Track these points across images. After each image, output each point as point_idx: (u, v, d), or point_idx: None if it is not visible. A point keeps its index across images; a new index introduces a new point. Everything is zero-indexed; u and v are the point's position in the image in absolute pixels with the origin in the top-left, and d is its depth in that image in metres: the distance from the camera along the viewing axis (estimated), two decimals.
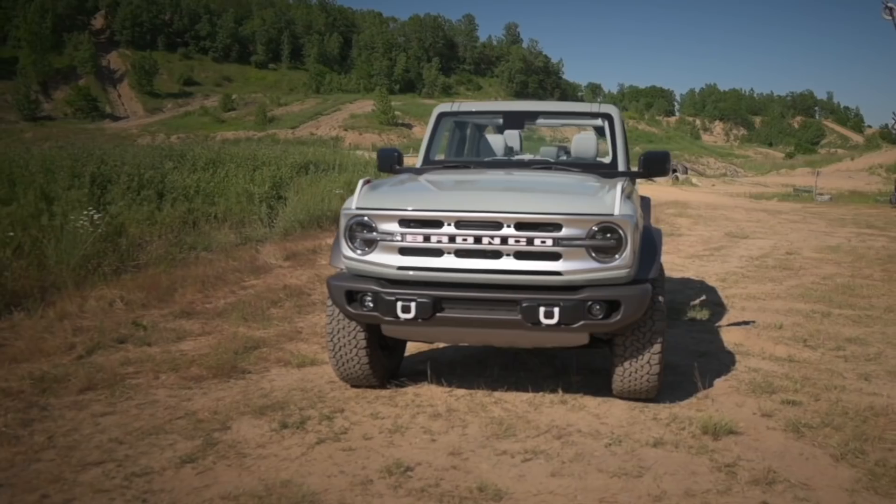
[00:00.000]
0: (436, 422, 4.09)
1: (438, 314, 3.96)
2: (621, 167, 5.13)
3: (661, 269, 6.66)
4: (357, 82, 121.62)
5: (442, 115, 5.68)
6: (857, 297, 7.90)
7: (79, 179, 9.04)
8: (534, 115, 5.96)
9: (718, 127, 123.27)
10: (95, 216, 8.11)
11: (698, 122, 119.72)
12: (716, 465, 3.54)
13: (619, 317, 3.87)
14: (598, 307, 3.86)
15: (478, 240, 3.90)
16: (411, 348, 5.48)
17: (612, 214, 3.86)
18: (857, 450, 3.71)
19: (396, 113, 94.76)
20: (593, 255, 3.86)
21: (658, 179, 38.78)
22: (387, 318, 4.01)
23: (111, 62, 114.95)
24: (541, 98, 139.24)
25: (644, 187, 26.43)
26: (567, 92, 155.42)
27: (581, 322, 3.86)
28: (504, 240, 3.88)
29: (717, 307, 7.27)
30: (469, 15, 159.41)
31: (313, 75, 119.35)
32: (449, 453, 3.67)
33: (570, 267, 3.85)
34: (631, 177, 5.09)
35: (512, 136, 6.07)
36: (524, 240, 3.86)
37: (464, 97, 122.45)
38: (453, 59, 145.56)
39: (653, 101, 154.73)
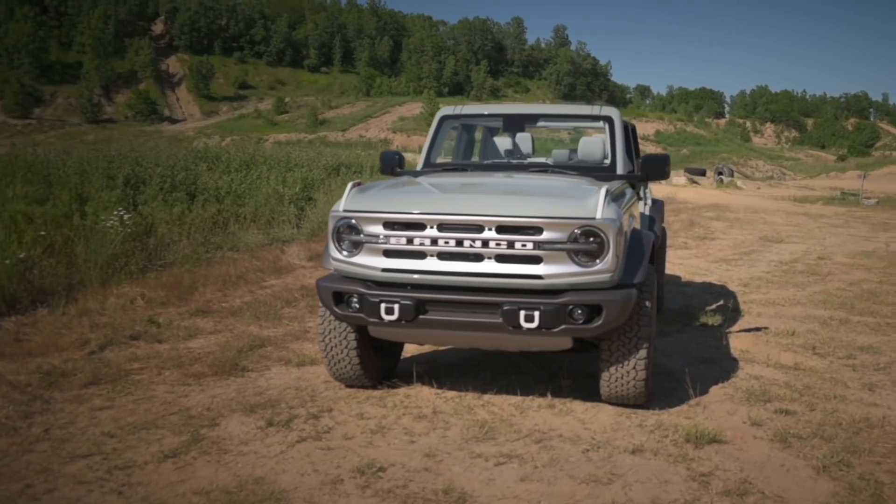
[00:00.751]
0: (419, 423, 4.08)
1: (422, 316, 3.96)
2: (620, 170, 5.04)
3: (656, 273, 6.54)
4: (406, 85, 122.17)
5: (444, 119, 5.67)
6: (881, 304, 7.61)
7: (113, 180, 9.30)
8: (534, 118, 5.89)
9: (769, 129, 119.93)
10: (125, 216, 8.32)
11: (748, 124, 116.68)
12: (691, 474, 3.45)
13: (600, 322, 3.80)
14: (579, 311, 3.80)
15: (459, 242, 3.88)
16: (412, 350, 5.49)
17: (593, 218, 3.79)
18: (842, 462, 3.58)
19: None
20: (575, 259, 3.80)
21: (702, 182, 37.83)
22: (371, 320, 4.03)
23: (170, 66, 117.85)
24: (588, 101, 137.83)
25: (685, 190, 26.16)
26: (615, 94, 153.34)
27: (562, 326, 3.80)
28: (485, 243, 3.85)
29: (732, 312, 7.08)
30: (518, 18, 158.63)
31: (364, 78, 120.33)
32: (424, 455, 3.65)
33: (551, 271, 3.80)
34: (628, 180, 5.00)
35: (524, 140, 6.02)
36: (505, 243, 3.82)
37: (511, 99, 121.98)
38: (501, 62, 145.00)
39: (702, 102, 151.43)
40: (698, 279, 9.11)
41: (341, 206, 4.14)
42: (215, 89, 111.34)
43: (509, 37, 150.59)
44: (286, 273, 8.65)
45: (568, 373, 4.78)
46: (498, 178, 4.91)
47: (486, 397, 4.48)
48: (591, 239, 3.79)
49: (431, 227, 3.92)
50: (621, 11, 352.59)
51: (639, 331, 4.04)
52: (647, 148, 70.69)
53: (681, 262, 10.51)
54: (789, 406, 4.38)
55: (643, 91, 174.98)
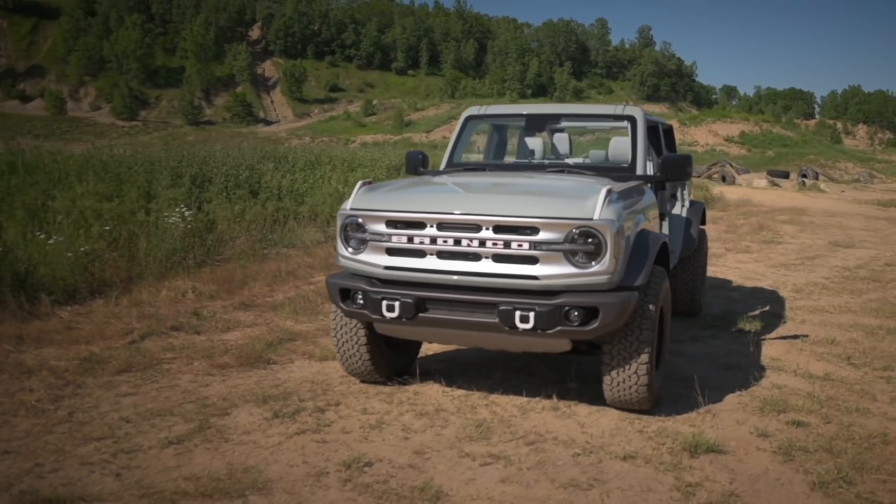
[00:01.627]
0: (419, 420, 4.07)
1: (422, 314, 3.95)
2: (639, 170, 4.87)
3: (693, 276, 6.32)
4: (490, 87, 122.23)
5: (469, 119, 5.64)
6: None
7: (179, 179, 9.70)
8: (556, 118, 5.77)
9: (861, 130, 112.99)
10: (186, 213, 8.67)
11: (839, 125, 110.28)
12: (678, 483, 3.31)
13: (596, 324, 3.69)
14: (575, 313, 3.70)
15: (458, 242, 3.86)
16: (434, 348, 5.49)
17: (590, 219, 3.68)
18: (845, 478, 3.36)
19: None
20: (572, 259, 3.70)
21: (783, 184, 36.36)
22: (374, 316, 4.05)
23: (265, 70, 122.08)
24: (673, 101, 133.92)
25: (764, 193, 25.11)
26: (700, 95, 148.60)
27: (557, 328, 3.72)
28: (483, 242, 3.81)
29: (774, 318, 6.74)
30: (602, 19, 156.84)
31: (449, 81, 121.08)
32: (414, 452, 3.65)
33: (547, 271, 3.72)
34: (647, 180, 4.83)
35: (561, 140, 5.93)
36: (502, 243, 3.77)
37: (595, 100, 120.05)
38: (585, 63, 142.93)
39: (791, 103, 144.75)
40: (750, 284, 8.71)
41: (349, 204, 4.19)
42: (307, 92, 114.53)
43: (593, 38, 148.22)
44: (335, 269, 8.78)
45: (576, 375, 4.67)
46: (505, 178, 4.84)
47: (493, 397, 4.44)
48: (589, 240, 3.69)
49: (431, 226, 3.91)
50: (707, 11, 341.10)
51: (640, 334, 3.90)
52: (731, 150, 68.02)
53: (737, 267, 10.10)
54: (804, 417, 4.14)
55: (729, 92, 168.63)
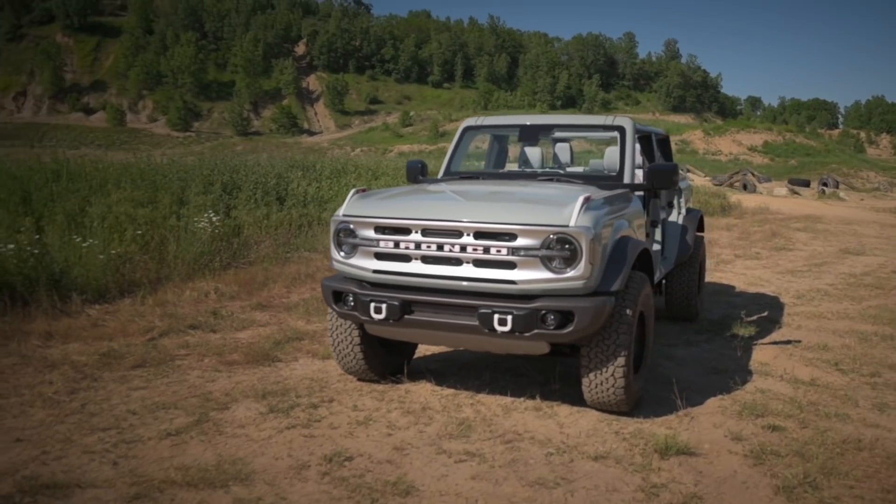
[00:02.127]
0: (404, 418, 4.06)
1: (407, 316, 3.94)
2: (627, 179, 4.80)
3: (689, 282, 6.19)
4: (521, 99, 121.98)
5: (467, 129, 5.63)
6: None
7: (211, 186, 9.84)
8: (549, 129, 5.72)
9: (885, 140, 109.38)
10: (214, 218, 8.79)
11: (863, 135, 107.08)
12: (643, 484, 3.24)
13: (572, 328, 3.65)
14: (551, 317, 3.66)
15: (440, 247, 3.84)
16: (431, 348, 5.47)
17: (566, 226, 3.64)
18: (811, 483, 3.26)
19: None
20: (548, 265, 3.66)
21: (804, 193, 35.58)
22: (363, 318, 4.06)
23: (310, 84, 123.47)
24: (698, 112, 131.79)
25: (783, 201, 24.50)
26: (725, 105, 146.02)
27: (534, 331, 3.68)
28: (464, 248, 3.79)
29: (770, 324, 6.57)
30: (629, 33, 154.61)
31: (482, 93, 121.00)
32: (394, 448, 3.64)
33: (525, 276, 3.69)
34: (633, 188, 4.75)
35: (563, 150, 5.87)
36: (482, 248, 3.75)
37: (622, 112, 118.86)
38: (613, 76, 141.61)
39: (815, 113, 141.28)
40: (753, 290, 8.51)
41: (341, 211, 4.20)
42: (349, 104, 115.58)
43: (621, 51, 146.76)
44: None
45: (559, 377, 4.61)
46: (492, 187, 4.79)
47: (479, 396, 4.40)
48: (565, 246, 3.64)
49: (416, 232, 3.90)
50: (733, 24, 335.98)
51: (617, 338, 3.83)
52: (755, 159, 66.46)
53: (744, 273, 9.88)
54: (781, 422, 4.02)
55: (754, 102, 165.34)
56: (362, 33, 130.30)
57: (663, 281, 6.46)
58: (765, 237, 14.95)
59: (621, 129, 5.03)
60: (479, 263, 3.77)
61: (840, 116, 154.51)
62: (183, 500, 3.12)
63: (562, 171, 5.21)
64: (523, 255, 3.67)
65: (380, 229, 4.01)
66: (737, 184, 37.01)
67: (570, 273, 3.64)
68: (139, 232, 8.07)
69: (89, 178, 9.72)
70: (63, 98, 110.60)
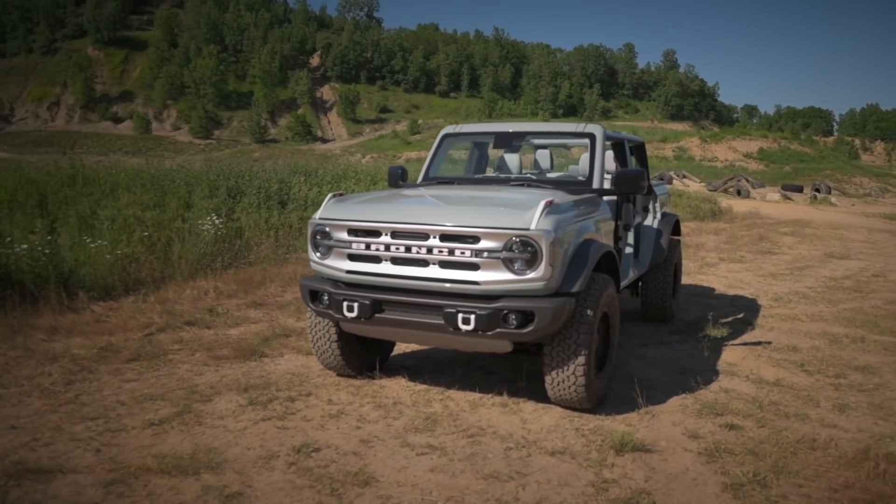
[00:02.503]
0: (375, 412, 4.05)
1: (378, 315, 3.95)
2: (595, 184, 4.78)
3: (664, 283, 6.15)
4: (525, 108, 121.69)
5: (445, 136, 5.64)
6: None
7: (216, 191, 9.88)
8: (522, 136, 5.70)
9: (879, 147, 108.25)
10: (217, 221, 8.82)
11: (857, 142, 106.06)
12: (595, 479, 3.21)
13: (532, 327, 3.63)
14: (512, 317, 3.65)
15: (408, 249, 3.84)
16: (411, 345, 5.46)
17: (527, 229, 3.63)
18: (760, 481, 3.21)
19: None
20: (510, 266, 3.65)
21: (796, 198, 35.14)
22: (337, 316, 4.06)
23: (323, 94, 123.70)
24: (696, 120, 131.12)
25: (775, 206, 24.11)
26: (722, 113, 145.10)
27: (496, 330, 3.66)
28: (430, 250, 3.79)
29: (743, 325, 6.51)
30: (629, 43, 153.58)
31: (487, 102, 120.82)
32: (361, 440, 3.63)
33: (487, 277, 3.68)
34: (602, 193, 4.73)
35: (543, 156, 5.86)
36: (447, 250, 3.74)
37: (621, 120, 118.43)
38: (613, 85, 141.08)
39: (810, 121, 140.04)
40: (732, 292, 8.45)
41: (318, 214, 4.21)
42: (360, 113, 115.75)
43: (621, 61, 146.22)
44: None
45: (527, 375, 4.58)
46: (463, 192, 4.78)
47: (449, 392, 4.38)
48: (526, 248, 3.63)
49: (385, 235, 3.90)
50: (730, 34, 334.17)
51: (578, 338, 3.81)
52: (750, 165, 65.92)
53: (725, 276, 9.79)
54: (740, 421, 3.97)
55: (750, 111, 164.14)
56: (373, 45, 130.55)
57: (639, 283, 6.44)
58: (751, 241, 14.81)
59: (591, 136, 5.01)
60: (444, 265, 3.77)
61: (835, 124, 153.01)
62: (155, 486, 3.14)
63: (533, 177, 5.20)
64: (486, 258, 3.66)
65: (352, 232, 4.02)
66: (731, 189, 36.76)
67: (531, 274, 3.63)
68: (146, 233, 8.11)
69: (102, 182, 9.78)
70: (93, 108, 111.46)
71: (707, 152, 71.31)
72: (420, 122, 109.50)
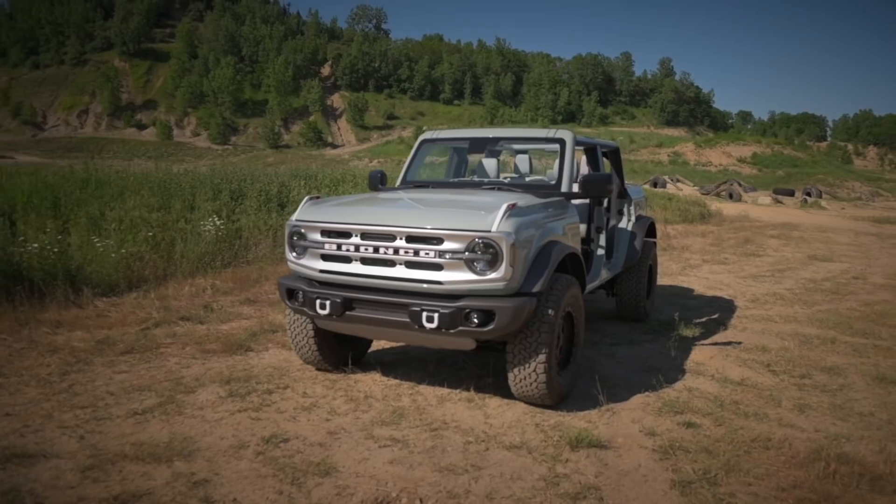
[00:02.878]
0: (346, 405, 4.04)
1: (349, 312, 3.94)
2: (564, 188, 4.76)
3: (639, 284, 6.11)
4: (525, 114, 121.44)
5: (423, 142, 5.63)
6: (882, 326, 6.64)
7: (219, 194, 9.90)
8: (495, 141, 5.68)
9: (872, 152, 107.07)
10: (218, 222, 8.84)
11: (850, 147, 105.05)
12: (548, 474, 3.17)
13: (493, 326, 3.62)
14: (474, 315, 3.63)
15: (376, 249, 3.83)
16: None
17: (489, 231, 3.61)
18: (710, 479, 3.16)
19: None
20: (472, 267, 3.64)
21: (787, 202, 34.71)
22: (311, 313, 4.06)
23: (334, 102, 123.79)
24: (691, 126, 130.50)
25: (765, 209, 23.79)
26: (717, 119, 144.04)
27: (459, 328, 3.65)
28: (397, 250, 3.78)
29: (717, 326, 6.45)
30: (626, 52, 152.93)
31: (489, 109, 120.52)
32: (328, 432, 3.62)
33: (450, 277, 3.67)
34: (569, 197, 4.71)
35: (522, 160, 5.84)
36: (412, 251, 3.73)
37: (618, 125, 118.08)
38: (611, 92, 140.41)
39: (804, 127, 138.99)
40: (711, 293, 8.39)
41: (294, 217, 4.21)
42: (368, 120, 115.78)
43: (618, 69, 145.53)
44: None
45: (494, 371, 4.56)
46: (433, 195, 4.74)
47: (420, 387, 4.37)
48: (487, 250, 3.62)
49: (356, 236, 3.90)
50: (725, 43, 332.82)
51: (539, 336, 3.79)
52: (743, 170, 65.43)
53: (706, 277, 9.72)
54: (698, 419, 3.92)
55: (745, 117, 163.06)
56: (381, 56, 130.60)
57: (614, 283, 6.42)
58: (737, 243, 14.69)
59: (561, 142, 4.99)
60: (410, 265, 3.76)
61: (828, 129, 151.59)
62: (129, 472, 3.14)
63: (506, 181, 5.18)
64: (449, 258, 3.65)
65: (325, 233, 4.02)
66: (723, 193, 36.54)
67: (492, 275, 3.61)
68: (150, 233, 8.13)
69: (113, 185, 9.82)
70: (119, 115, 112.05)
71: (701, 157, 70.86)
72: (425, 128, 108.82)
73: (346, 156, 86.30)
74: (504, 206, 3.70)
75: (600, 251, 5.57)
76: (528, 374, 3.82)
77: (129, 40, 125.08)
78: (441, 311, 3.63)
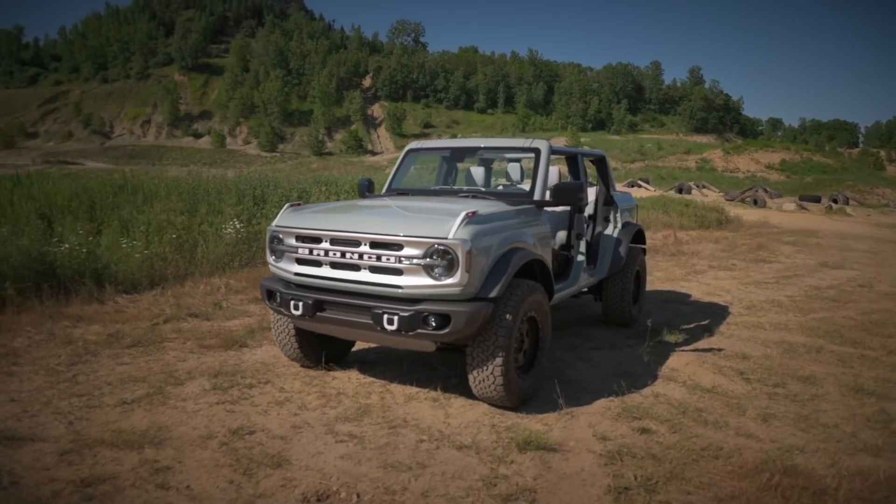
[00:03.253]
0: (317, 401, 4.06)
1: (319, 313, 3.97)
2: (537, 196, 4.69)
3: (623, 288, 5.97)
4: (556, 122, 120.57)
5: (409, 151, 5.64)
6: (875, 336, 6.30)
7: (243, 198, 10.09)
8: (474, 150, 5.65)
9: None
10: (238, 225, 9.01)
11: (882, 153, 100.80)
12: (489, 475, 3.13)
13: (449, 329, 3.60)
14: (431, 319, 3.62)
15: (343, 254, 3.85)
16: None
17: (445, 238, 3.60)
18: (649, 486, 3.06)
19: (584, 147, 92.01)
20: (430, 272, 3.63)
21: (812, 208, 33.15)
22: (286, 313, 4.10)
23: (374, 111, 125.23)
24: (720, 133, 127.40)
25: (788, 216, 22.80)
26: (746, 126, 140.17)
27: (417, 330, 3.64)
28: (361, 255, 3.79)
29: (702, 332, 6.25)
30: (656, 62, 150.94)
31: (521, 118, 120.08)
32: (292, 426, 3.64)
33: (409, 282, 3.67)
34: (538, 205, 4.65)
35: (514, 169, 5.83)
36: (375, 256, 3.75)
37: (647, 133, 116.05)
38: (640, 101, 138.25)
39: (835, 133, 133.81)
40: (708, 299, 8.12)
41: (274, 222, 4.27)
42: (406, 128, 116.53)
43: (648, 78, 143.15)
44: None
45: (461, 371, 4.49)
46: (407, 202, 4.72)
47: (391, 385, 4.36)
48: (445, 256, 3.61)
49: (326, 242, 3.93)
50: (755, 50, 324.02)
51: (496, 340, 3.75)
52: (771, 176, 63.12)
53: (709, 283, 9.40)
54: (655, 426, 3.80)
55: (775, 124, 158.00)
56: (419, 67, 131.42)
57: (600, 288, 6.32)
58: (749, 250, 14.15)
59: (537, 151, 4.95)
60: (373, 269, 3.77)
61: (860, 136, 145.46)
62: (102, 457, 3.22)
63: (483, 189, 5.15)
64: (408, 264, 3.65)
65: (299, 238, 4.06)
66: (748, 199, 35.45)
67: (449, 280, 3.60)
68: (175, 235, 8.33)
69: (145, 190, 10.10)
70: (178, 125, 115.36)
71: (729, 164, 68.78)
72: (459, 136, 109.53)
73: (385, 162, 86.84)
74: (462, 214, 3.68)
75: (580, 257, 5.49)
76: (487, 375, 3.80)
77: (188, 56, 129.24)
78: (400, 314, 3.63)
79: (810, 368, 5.16)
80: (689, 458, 3.40)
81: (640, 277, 6.69)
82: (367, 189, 5.40)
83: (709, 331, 6.38)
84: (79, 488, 2.91)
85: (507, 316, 3.78)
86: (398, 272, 3.69)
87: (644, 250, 6.82)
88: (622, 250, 6.07)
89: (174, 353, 5.03)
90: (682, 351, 5.56)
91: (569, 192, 4.58)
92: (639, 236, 6.70)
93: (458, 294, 3.62)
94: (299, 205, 4.50)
